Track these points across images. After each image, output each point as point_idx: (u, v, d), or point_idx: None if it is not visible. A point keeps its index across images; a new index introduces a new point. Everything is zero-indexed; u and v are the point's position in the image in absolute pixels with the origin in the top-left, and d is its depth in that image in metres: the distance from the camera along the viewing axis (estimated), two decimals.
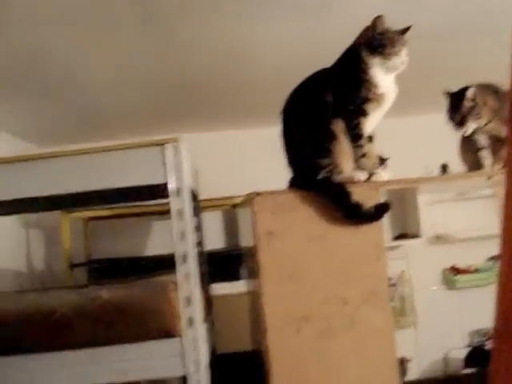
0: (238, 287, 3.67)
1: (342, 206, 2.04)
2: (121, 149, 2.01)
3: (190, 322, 1.93)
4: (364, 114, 2.07)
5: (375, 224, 2.08)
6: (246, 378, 2.98)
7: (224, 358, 2.97)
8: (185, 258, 1.94)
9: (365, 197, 2.05)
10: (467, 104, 2.32)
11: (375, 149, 2.18)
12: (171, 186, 1.95)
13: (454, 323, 4.43)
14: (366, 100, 2.06)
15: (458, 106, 2.34)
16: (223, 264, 3.99)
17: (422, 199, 4.26)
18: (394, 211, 4.34)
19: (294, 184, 2.18)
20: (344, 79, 2.09)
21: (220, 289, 3.62)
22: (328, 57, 2.13)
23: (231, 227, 4.58)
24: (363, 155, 2.10)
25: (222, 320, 3.08)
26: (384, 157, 2.26)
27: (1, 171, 2.02)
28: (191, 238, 1.94)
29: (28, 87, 3.10)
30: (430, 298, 4.52)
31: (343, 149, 2.08)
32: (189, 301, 1.93)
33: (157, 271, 2.74)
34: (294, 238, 2.08)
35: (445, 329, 4.36)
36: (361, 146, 2.09)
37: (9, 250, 3.86)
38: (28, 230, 4.25)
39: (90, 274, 4.34)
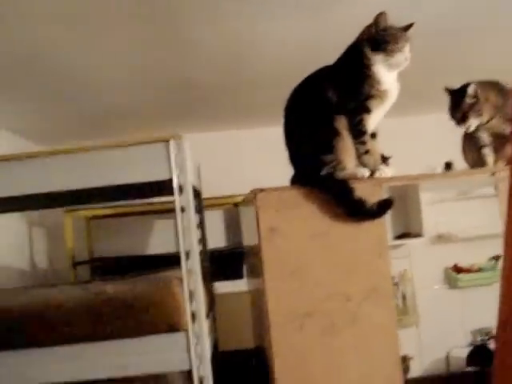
0: (240, 286, 3.68)
1: (344, 203, 2.04)
2: (125, 145, 2.01)
3: (194, 316, 1.93)
4: (367, 110, 2.07)
5: (378, 221, 2.09)
6: (249, 375, 3.00)
7: (226, 355, 2.98)
8: (188, 254, 1.94)
9: (368, 193, 2.06)
10: (468, 101, 2.32)
11: (378, 146, 2.18)
12: (175, 183, 1.95)
13: (456, 322, 4.44)
14: (369, 97, 2.07)
15: (459, 103, 2.34)
16: (225, 263, 4.00)
17: (425, 198, 4.26)
18: (397, 210, 4.36)
19: (297, 181, 2.18)
20: (347, 76, 2.09)
21: (222, 287, 3.62)
22: (329, 56, 2.14)
23: (233, 226, 4.58)
24: (366, 152, 2.10)
25: (224, 318, 3.09)
26: (386, 155, 2.26)
27: (5, 168, 2.02)
28: (195, 234, 1.95)
29: (28, 86, 3.11)
30: (432, 296, 4.53)
31: (346, 145, 2.08)
32: (192, 296, 1.94)
33: (159, 269, 2.75)
34: (297, 234, 2.08)
35: (447, 327, 4.37)
36: (364, 143, 2.09)
37: (12, 248, 3.87)
38: (31, 228, 4.26)
39: (93, 272, 4.36)
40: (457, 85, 2.42)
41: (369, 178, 2.10)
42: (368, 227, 2.08)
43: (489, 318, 4.26)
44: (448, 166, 2.50)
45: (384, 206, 2.05)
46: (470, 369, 4.19)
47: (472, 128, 2.36)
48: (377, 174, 2.10)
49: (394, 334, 2.11)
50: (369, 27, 2.08)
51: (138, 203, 4.00)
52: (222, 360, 2.71)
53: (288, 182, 2.22)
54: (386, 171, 2.11)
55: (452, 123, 2.43)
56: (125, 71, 3.08)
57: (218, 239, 4.43)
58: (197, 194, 2.62)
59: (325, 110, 2.09)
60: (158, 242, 4.57)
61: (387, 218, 2.11)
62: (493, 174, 2.29)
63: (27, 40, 2.49)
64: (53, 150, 2.10)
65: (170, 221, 4.37)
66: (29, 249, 4.21)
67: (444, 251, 4.53)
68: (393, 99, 2.12)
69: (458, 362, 4.34)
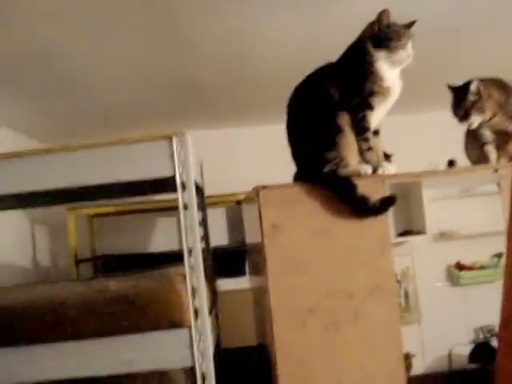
0: (242, 283, 3.69)
1: (347, 199, 2.05)
2: (128, 142, 2.01)
3: (197, 313, 1.94)
4: (370, 107, 2.08)
5: (381, 218, 2.09)
6: (251, 372, 3.00)
7: (229, 353, 2.98)
8: (191, 250, 1.95)
9: (370, 190, 2.06)
10: (471, 97, 2.32)
11: (381, 143, 2.19)
12: (178, 179, 1.95)
13: (458, 319, 4.43)
14: (372, 93, 2.07)
15: (461, 100, 2.34)
16: (227, 260, 4.01)
17: (427, 196, 4.26)
18: (399, 208, 4.36)
19: (300, 178, 2.19)
20: (350, 73, 2.10)
21: (224, 285, 3.63)
22: (330, 55, 2.15)
23: (235, 224, 4.58)
24: (369, 149, 2.11)
25: (226, 315, 3.09)
26: (389, 153, 2.26)
27: (6, 165, 2.02)
28: (197, 230, 1.95)
29: (30, 84, 3.11)
30: (434, 294, 4.52)
31: (349, 142, 2.09)
32: (195, 292, 1.94)
33: (162, 266, 2.75)
34: (300, 231, 2.09)
35: (449, 325, 4.36)
36: (366, 140, 2.10)
37: (15, 246, 3.88)
38: (34, 226, 4.26)
39: (95, 270, 4.36)
40: (459, 82, 2.42)
41: (371, 174, 2.10)
42: (371, 224, 2.09)
43: (491, 316, 4.26)
44: (451, 163, 2.50)
45: (387, 203, 2.05)
46: (472, 366, 4.20)
47: (475, 125, 2.37)
48: (380, 171, 2.11)
49: (397, 330, 2.11)
50: (372, 24, 2.09)
51: (141, 201, 4.01)
52: (224, 357, 2.71)
53: (290, 179, 2.23)
54: (388, 168, 2.12)
55: (454, 121, 2.43)
56: (125, 70, 3.08)
57: (220, 237, 4.44)
58: (199, 191, 2.62)
59: (327, 106, 2.09)
60: (160, 239, 4.58)
61: (389, 215, 2.12)
62: (495, 170, 2.30)
63: (28, 39, 2.49)
64: (55, 147, 2.10)
65: (173, 218, 4.39)
66: (31, 247, 4.22)
67: (446, 249, 4.53)
68: (395, 96, 2.13)
69: (461, 359, 4.33)
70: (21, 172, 2.03)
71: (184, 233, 1.95)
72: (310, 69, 2.19)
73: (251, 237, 2.57)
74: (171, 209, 3.63)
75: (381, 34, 2.04)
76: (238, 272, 4.04)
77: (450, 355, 4.43)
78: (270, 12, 2.48)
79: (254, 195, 2.11)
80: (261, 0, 2.36)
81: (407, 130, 4.36)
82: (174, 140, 1.96)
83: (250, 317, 3.00)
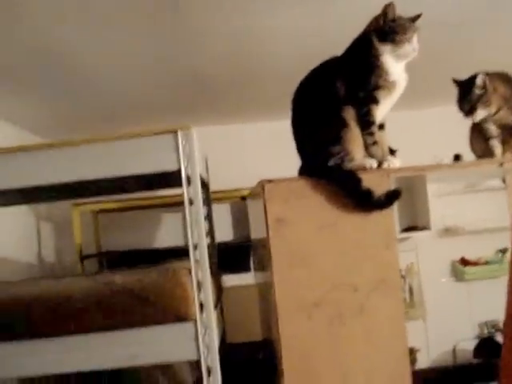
0: (247, 279, 3.69)
1: (352, 193, 2.05)
2: (133, 136, 2.02)
3: (202, 306, 1.94)
4: (375, 101, 2.08)
5: (386, 212, 2.09)
6: (256, 367, 3.01)
7: (234, 348, 2.99)
8: (196, 244, 1.95)
9: (375, 184, 2.06)
10: (477, 91, 2.32)
11: (386, 137, 2.19)
12: (183, 173, 1.95)
13: (463, 315, 4.44)
14: (377, 87, 2.07)
15: (467, 94, 2.34)
16: (232, 256, 4.01)
17: (432, 191, 4.26)
18: (404, 203, 4.36)
19: (305, 172, 2.19)
20: (355, 66, 2.10)
21: (229, 280, 3.63)
22: (336, 49, 2.15)
23: (240, 219, 4.58)
24: (374, 143, 2.11)
25: (231, 311, 3.10)
26: (393, 148, 2.26)
27: (13, 160, 2.03)
28: (203, 224, 1.95)
29: (35, 80, 3.10)
30: (439, 289, 4.53)
31: (354, 136, 2.09)
32: (201, 286, 1.95)
33: (167, 261, 2.76)
34: (305, 225, 2.09)
35: (454, 320, 4.37)
36: (372, 134, 2.10)
37: (20, 242, 3.89)
38: (39, 222, 4.27)
39: (100, 266, 4.37)
40: (464, 77, 2.42)
41: (377, 168, 2.10)
42: (376, 218, 2.09)
43: (496, 311, 4.27)
44: (457, 158, 2.50)
45: (392, 197, 2.05)
46: (476, 361, 4.20)
47: (478, 118, 2.36)
48: (385, 165, 2.11)
49: (402, 324, 2.12)
50: (377, 18, 2.09)
51: (146, 197, 4.01)
52: (229, 352, 2.72)
53: (295, 175, 2.22)
54: (393, 162, 2.12)
55: (459, 116, 2.43)
56: (131, 66, 3.08)
57: (225, 232, 4.43)
58: (205, 185, 2.63)
59: (333, 100, 2.09)
60: (165, 235, 4.58)
61: (394, 211, 2.12)
62: (501, 164, 2.29)
63: (34, 36, 2.49)
64: (60, 141, 2.10)
65: (178, 214, 4.39)
66: (37, 243, 4.23)
67: (451, 244, 4.53)
68: (401, 90, 2.13)
69: (465, 354, 4.35)
70: (26, 166, 2.03)
71: (189, 227, 1.96)
72: (315, 64, 2.19)
73: (256, 232, 2.58)
74: (176, 204, 3.65)
75: (386, 28, 2.04)
76: (242, 268, 4.04)
77: (454, 350, 4.44)
78: (274, 7, 2.48)
79: (260, 189, 2.11)
80: None
81: (412, 126, 4.36)
82: (180, 134, 1.96)
83: (255, 312, 3.00)
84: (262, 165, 3.94)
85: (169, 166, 1.97)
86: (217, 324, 2.08)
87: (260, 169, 2.90)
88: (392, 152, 2.23)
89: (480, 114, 2.34)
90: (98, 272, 3.60)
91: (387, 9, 2.05)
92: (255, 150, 4.67)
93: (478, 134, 2.48)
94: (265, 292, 2.40)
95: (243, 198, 4.06)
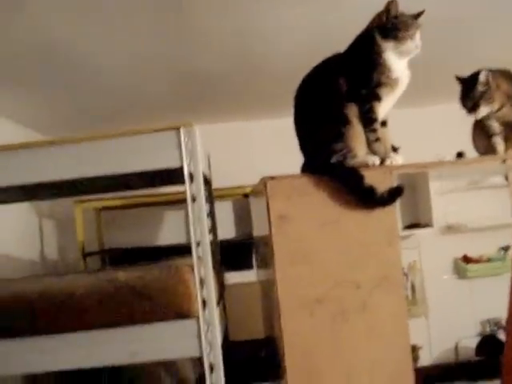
0: (249, 276, 3.69)
1: (355, 190, 2.05)
2: (135, 133, 2.02)
3: (205, 303, 1.94)
4: (377, 98, 2.08)
5: (388, 209, 2.09)
6: (259, 364, 3.01)
7: (236, 345, 2.99)
8: (199, 241, 1.95)
9: (378, 181, 2.06)
10: (480, 88, 2.31)
11: (388, 134, 2.18)
12: (186, 170, 1.96)
13: (465, 312, 4.44)
14: (380, 84, 2.07)
15: (470, 91, 2.34)
16: (234, 253, 4.01)
17: (434, 189, 4.26)
18: (406, 201, 4.36)
19: (307, 169, 2.19)
20: (357, 63, 2.09)
21: (231, 278, 3.64)
22: (340, 46, 2.14)
23: (242, 217, 4.59)
24: (377, 139, 2.11)
25: (233, 308, 3.10)
26: (395, 146, 2.26)
27: (14, 157, 2.03)
28: (205, 221, 1.95)
29: (36, 77, 3.11)
30: (441, 287, 4.53)
31: (356, 133, 2.09)
32: (203, 283, 1.95)
33: (169, 259, 2.76)
34: (308, 222, 2.09)
35: (456, 318, 4.37)
36: (374, 131, 2.10)
37: (22, 240, 3.89)
38: (41, 220, 4.28)
39: (103, 263, 4.38)
40: (467, 74, 2.42)
41: (379, 165, 2.10)
42: (378, 215, 2.08)
43: (498, 309, 4.28)
44: (460, 155, 2.50)
45: (395, 194, 2.05)
46: (478, 359, 4.20)
47: (481, 115, 2.36)
48: (387, 162, 2.11)
49: (405, 321, 2.12)
50: (379, 15, 2.08)
51: (148, 194, 4.02)
52: (231, 349, 2.72)
53: (297, 172, 2.22)
54: (396, 159, 2.12)
55: (461, 114, 2.42)
56: (133, 63, 3.08)
57: (227, 230, 4.44)
58: (207, 182, 2.63)
59: (335, 97, 2.09)
60: (167, 232, 4.59)
61: (396, 208, 2.12)
62: (503, 161, 2.29)
63: (34, 32, 2.49)
64: (61, 138, 2.11)
65: (180, 212, 4.39)
66: (39, 240, 4.23)
67: (453, 241, 4.54)
68: (403, 87, 2.12)
69: (468, 351, 4.35)
70: (27, 163, 2.03)
71: (192, 224, 1.96)
72: (317, 61, 2.18)
73: (259, 229, 2.58)
74: (178, 202, 3.65)
75: (389, 25, 2.04)
76: (244, 265, 4.04)
77: (456, 348, 4.44)
78: (277, 5, 2.48)
79: (262, 186, 2.11)
80: None
81: (414, 124, 4.35)
82: (182, 131, 1.96)
83: (257, 310, 3.00)
84: (265, 162, 3.94)
85: (171, 163, 1.98)
86: (219, 321, 2.08)
87: (262, 166, 2.90)
88: (394, 149, 2.23)
89: (483, 110, 2.34)
90: (100, 269, 3.60)
91: (390, 6, 2.04)
92: (257, 147, 4.67)
93: (481, 131, 2.48)
94: (267, 289, 2.41)
95: (245, 196, 4.07)
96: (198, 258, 1.96)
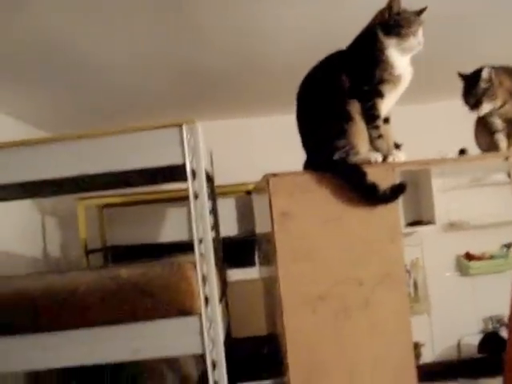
0: (252, 273, 3.69)
1: (357, 187, 2.05)
2: (138, 130, 2.02)
3: (207, 300, 1.95)
4: (380, 94, 2.07)
5: (391, 206, 2.09)
6: (261, 361, 3.01)
7: (239, 342, 3.00)
8: (201, 238, 1.95)
9: (380, 178, 2.06)
10: (483, 85, 2.31)
11: (391, 131, 2.18)
12: (188, 167, 1.95)
13: (467, 309, 4.44)
14: (382, 81, 2.07)
15: (473, 87, 2.33)
16: (237, 250, 4.01)
17: (437, 186, 4.26)
18: (409, 198, 4.36)
19: (310, 166, 2.18)
20: (360, 60, 2.09)
21: (234, 275, 3.64)
22: (342, 43, 2.14)
23: (244, 214, 4.59)
24: (379, 136, 2.10)
25: (235, 305, 3.10)
26: (398, 143, 2.26)
27: (16, 154, 2.03)
28: (207, 217, 1.95)
29: (38, 73, 3.11)
30: (443, 284, 4.53)
31: (359, 130, 2.08)
32: (205, 280, 1.95)
33: (171, 256, 2.76)
34: (310, 219, 2.09)
35: (458, 315, 4.38)
36: (377, 127, 2.09)
37: (25, 236, 3.90)
38: (44, 217, 4.29)
39: (105, 260, 4.38)
40: (469, 71, 2.41)
41: (382, 162, 2.10)
42: (381, 212, 2.08)
43: (500, 306, 4.27)
44: (462, 152, 2.49)
45: (397, 191, 2.04)
46: (481, 356, 4.20)
47: (484, 112, 2.35)
48: (390, 159, 2.10)
49: (407, 318, 2.11)
50: (382, 11, 2.08)
51: (150, 191, 4.02)
52: (234, 346, 2.72)
53: (299, 169, 2.22)
54: (398, 156, 2.11)
55: (463, 110, 2.42)
56: (136, 60, 3.08)
57: (229, 227, 4.44)
58: (210, 179, 2.63)
59: (338, 94, 2.09)
60: (170, 230, 4.59)
61: (399, 205, 2.11)
62: (506, 158, 2.29)
63: (36, 28, 2.50)
64: (63, 135, 2.10)
65: (183, 209, 4.40)
66: (42, 237, 4.24)
67: (456, 239, 4.54)
68: (406, 83, 2.12)
69: (470, 349, 4.35)
70: (29, 160, 2.03)
71: (194, 221, 1.96)
72: (320, 58, 2.18)
73: (261, 226, 2.58)
74: (181, 199, 3.65)
75: (391, 21, 2.03)
76: (247, 262, 4.05)
77: (458, 345, 4.44)
78: (278, 3, 2.48)
79: (265, 183, 2.11)
80: None
81: (417, 121, 4.35)
82: (184, 127, 1.96)
83: (259, 307, 3.00)
84: (267, 159, 3.94)
85: (174, 160, 1.97)
86: (222, 318, 2.08)
87: (265, 163, 2.90)
88: (397, 146, 2.22)
89: (485, 107, 2.33)
90: (102, 266, 3.61)
91: (392, 2, 2.04)
92: (260, 144, 4.67)
93: (483, 127, 2.48)
94: (270, 286, 2.41)
95: (248, 193, 4.07)
96: (201, 254, 1.96)
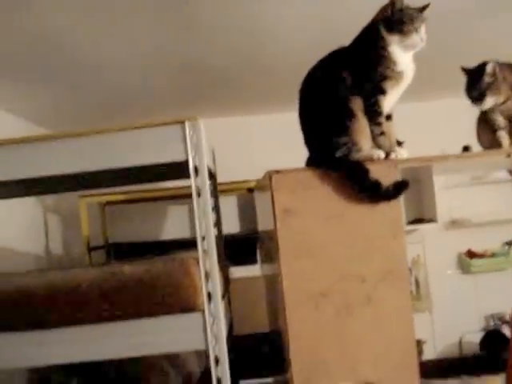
0: (254, 271, 3.70)
1: (360, 184, 2.05)
2: (140, 127, 2.02)
3: (210, 296, 1.95)
4: (382, 91, 2.07)
5: (393, 202, 2.09)
6: (263, 358, 3.02)
7: (241, 339, 3.00)
8: (204, 235, 1.96)
9: (383, 175, 2.06)
10: (487, 79, 2.31)
11: (394, 128, 2.18)
12: (191, 164, 1.96)
13: (469, 307, 4.45)
14: (385, 77, 2.07)
15: (477, 82, 2.33)
16: (239, 248, 4.01)
17: (438, 184, 4.26)
18: (410, 196, 4.36)
19: (312, 163, 2.19)
20: (362, 57, 2.09)
21: (236, 272, 3.64)
22: (344, 41, 2.14)
23: (246, 212, 4.59)
24: (381, 133, 2.10)
25: (237, 303, 3.11)
26: (400, 140, 2.26)
27: (18, 151, 2.03)
28: (210, 214, 1.96)
29: (40, 70, 3.11)
30: (445, 282, 4.54)
31: (361, 127, 2.08)
32: (208, 276, 1.95)
33: (173, 253, 2.77)
34: (313, 215, 2.09)
35: (460, 313, 4.38)
36: (379, 124, 2.10)
37: (28, 234, 3.91)
38: (46, 214, 4.29)
39: (108, 257, 4.39)
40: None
41: (384, 159, 2.10)
42: (383, 209, 2.08)
43: (502, 303, 4.28)
44: (466, 149, 2.49)
45: (400, 188, 2.05)
46: (482, 353, 4.21)
47: (487, 106, 2.35)
48: (392, 156, 2.10)
49: (410, 315, 2.12)
50: (384, 8, 2.08)
51: (152, 189, 4.02)
52: (236, 343, 2.73)
53: (302, 167, 2.22)
54: (401, 153, 2.11)
55: (466, 108, 2.42)
56: (137, 57, 3.09)
57: (231, 225, 4.44)
58: (212, 176, 2.63)
59: (340, 91, 2.09)
60: (172, 227, 4.59)
61: (400, 203, 2.12)
62: (508, 155, 2.29)
63: (39, 25, 2.50)
64: (65, 132, 2.11)
65: (185, 207, 4.40)
66: (44, 235, 4.25)
67: (457, 236, 4.54)
68: (408, 80, 2.12)
69: (471, 346, 4.35)
70: (31, 158, 2.03)
71: (197, 217, 1.96)
72: (322, 55, 2.18)
73: (263, 223, 2.58)
74: (183, 196, 3.66)
75: (394, 18, 2.03)
76: (249, 260, 4.05)
77: (460, 342, 4.44)
78: (281, 1, 2.48)
79: (267, 180, 2.11)
80: None
81: (419, 118, 4.35)
82: (187, 124, 1.96)
83: (261, 304, 3.01)
84: (269, 157, 3.94)
85: (176, 157, 1.98)
86: (224, 315, 2.09)
87: (267, 161, 2.90)
88: (399, 144, 2.22)
89: (489, 101, 2.33)
90: (105, 263, 3.61)
91: None
92: (261, 142, 4.67)
93: (485, 125, 2.48)
94: (272, 283, 2.41)
95: (250, 190, 4.08)
96: (204, 251, 1.96)
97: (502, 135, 2.41)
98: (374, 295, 2.09)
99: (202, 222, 1.96)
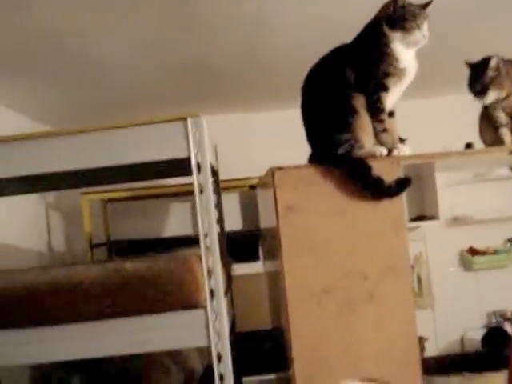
0: (256, 268, 3.70)
1: (362, 181, 2.05)
2: (143, 124, 2.02)
3: (213, 293, 1.95)
4: (385, 88, 2.07)
5: (395, 199, 2.09)
6: (265, 355, 3.02)
7: (243, 336, 3.01)
8: (207, 232, 1.96)
9: (385, 172, 2.06)
10: (491, 73, 2.31)
11: (396, 124, 2.18)
12: (193, 161, 1.96)
13: (471, 304, 4.44)
14: (387, 74, 2.07)
15: (480, 76, 2.33)
16: (241, 245, 4.01)
17: (440, 181, 4.25)
18: (412, 193, 4.34)
19: (314, 160, 2.19)
20: (365, 54, 2.09)
21: (238, 269, 3.64)
22: (345, 38, 2.14)
23: (248, 209, 4.59)
24: (384, 130, 2.11)
25: (240, 300, 3.11)
26: (402, 137, 2.26)
27: (20, 147, 2.03)
28: (213, 211, 1.96)
29: (45, 68, 3.12)
30: (447, 279, 4.53)
31: (364, 124, 2.09)
32: (211, 273, 1.95)
33: (176, 250, 2.77)
34: (315, 212, 2.09)
35: (462, 310, 4.38)
36: (381, 121, 2.10)
37: (30, 231, 3.91)
38: (48, 211, 4.29)
39: (110, 254, 4.39)
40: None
41: (387, 156, 2.10)
42: (386, 205, 2.09)
43: (504, 300, 4.28)
44: (468, 146, 2.50)
45: (402, 184, 2.05)
46: (484, 350, 4.21)
47: (489, 100, 2.35)
48: (395, 153, 2.11)
49: (412, 311, 2.12)
50: (387, 5, 2.08)
51: (154, 186, 4.02)
52: (238, 340, 2.73)
53: (304, 163, 2.22)
54: (403, 149, 2.11)
55: (468, 105, 2.42)
56: (140, 54, 3.08)
57: (234, 222, 4.43)
58: (215, 173, 2.63)
59: (342, 88, 2.09)
60: (174, 224, 4.59)
61: (403, 200, 2.12)
62: (510, 152, 2.29)
63: (44, 22, 2.50)
64: (67, 129, 2.10)
65: (187, 204, 4.39)
66: (46, 232, 4.25)
67: (459, 233, 4.53)
68: (411, 77, 2.12)
69: (473, 343, 4.35)
70: (33, 154, 2.03)
71: (200, 214, 1.96)
72: (324, 52, 2.18)
73: (266, 220, 2.58)
74: (185, 194, 3.66)
75: (396, 15, 2.03)
76: (251, 257, 4.05)
77: (462, 339, 4.44)
78: None
79: (269, 177, 2.11)
80: None
81: (421, 115, 4.34)
82: (189, 121, 1.96)
83: (263, 301, 3.01)
84: (271, 154, 3.94)
85: (179, 154, 1.97)
86: (227, 311, 2.09)
87: (269, 158, 2.90)
88: (401, 141, 2.22)
89: (491, 95, 2.33)
90: (107, 260, 3.61)
91: None
92: (264, 139, 4.66)
93: (488, 122, 2.48)
94: (274, 280, 2.41)
95: (252, 187, 4.07)
96: (206, 248, 1.96)
97: (505, 132, 2.41)
98: (376, 292, 2.09)
99: (205, 219, 1.96)
